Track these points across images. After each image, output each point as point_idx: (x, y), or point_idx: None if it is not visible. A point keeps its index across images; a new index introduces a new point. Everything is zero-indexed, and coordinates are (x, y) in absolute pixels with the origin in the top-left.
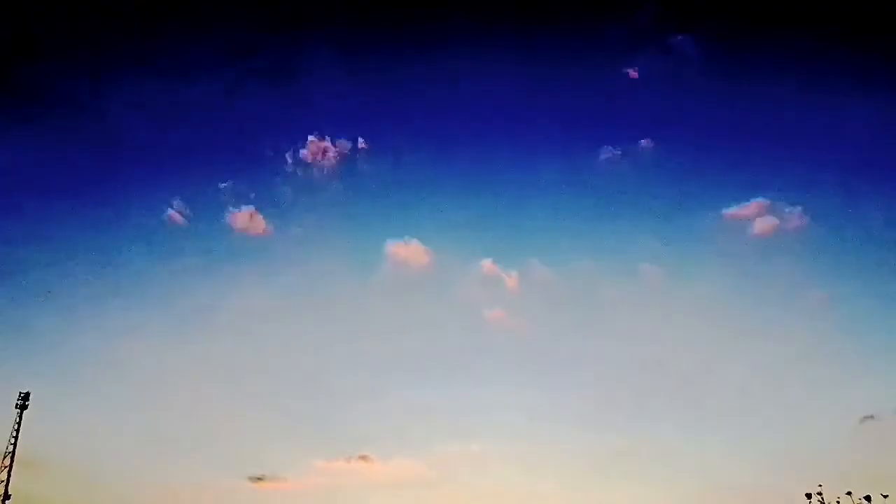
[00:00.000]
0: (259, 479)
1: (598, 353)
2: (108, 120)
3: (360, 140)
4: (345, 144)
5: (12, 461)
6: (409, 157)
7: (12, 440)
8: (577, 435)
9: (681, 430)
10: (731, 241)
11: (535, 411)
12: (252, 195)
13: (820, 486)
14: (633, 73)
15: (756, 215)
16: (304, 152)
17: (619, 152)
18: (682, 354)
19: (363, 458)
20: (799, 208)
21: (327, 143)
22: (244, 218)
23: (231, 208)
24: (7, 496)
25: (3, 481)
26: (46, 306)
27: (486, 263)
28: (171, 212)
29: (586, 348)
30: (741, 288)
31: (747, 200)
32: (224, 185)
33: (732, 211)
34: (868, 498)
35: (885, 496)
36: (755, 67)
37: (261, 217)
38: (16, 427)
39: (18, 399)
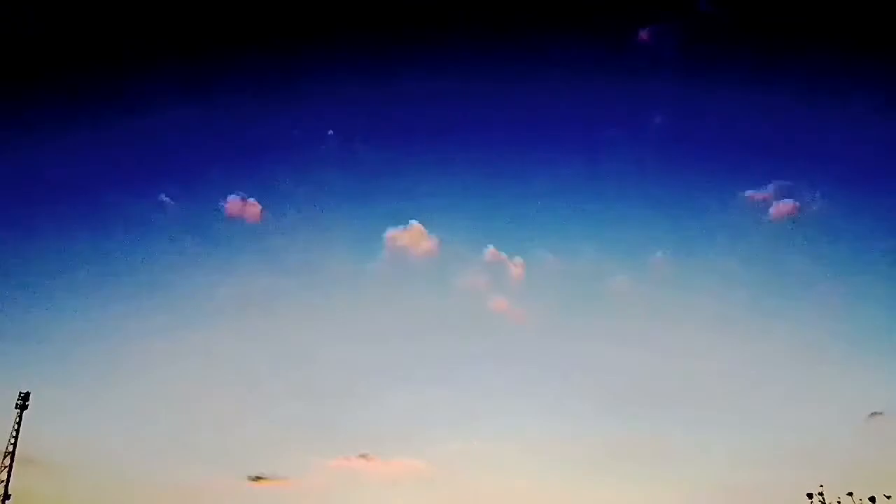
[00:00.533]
0: (258, 478)
1: (606, 346)
2: (101, 110)
3: (360, 125)
4: (344, 129)
5: (12, 461)
6: (409, 141)
7: (12, 440)
8: (583, 431)
9: (689, 427)
10: (746, 229)
11: (538, 407)
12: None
13: (821, 486)
14: (643, 36)
15: (774, 201)
16: (300, 137)
17: (629, 130)
18: (691, 348)
19: (363, 456)
20: (818, 193)
21: (325, 129)
22: (244, 209)
23: (231, 198)
24: (7, 496)
25: (2, 481)
26: (46, 304)
27: (490, 251)
28: (167, 201)
29: (593, 341)
30: (754, 278)
31: (765, 184)
32: (222, 173)
33: (749, 196)
34: (872, 499)
35: (888, 497)
36: (780, 40)
37: (259, 207)
38: (16, 427)
39: (18, 399)
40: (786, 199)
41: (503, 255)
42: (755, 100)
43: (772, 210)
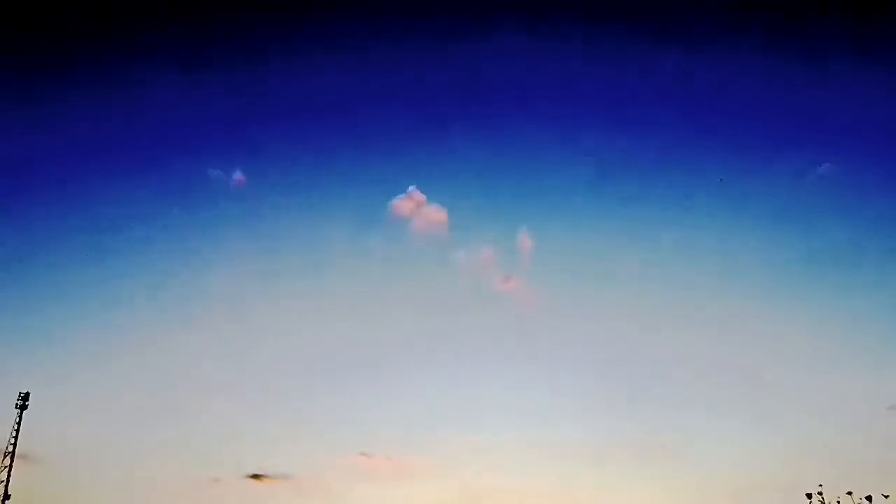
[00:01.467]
0: (257, 476)
1: (614, 335)
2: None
3: (361, 85)
4: (344, 89)
5: (12, 461)
6: (409, 102)
7: (12, 440)
8: (587, 428)
9: (699, 422)
10: (767, 204)
11: (541, 401)
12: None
13: (820, 486)
14: None
15: (804, 170)
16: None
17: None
18: (702, 339)
19: (363, 454)
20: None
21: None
22: (231, 182)
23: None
24: (7, 496)
25: (2, 481)
26: (46, 302)
27: (496, 226)
28: (158, 187)
29: (601, 331)
30: (772, 260)
31: (798, 146)
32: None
33: (778, 163)
34: (869, 498)
35: (886, 496)
36: None
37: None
38: (16, 427)
39: (18, 399)
40: (820, 167)
41: (510, 231)
42: (787, 54)
43: (801, 179)
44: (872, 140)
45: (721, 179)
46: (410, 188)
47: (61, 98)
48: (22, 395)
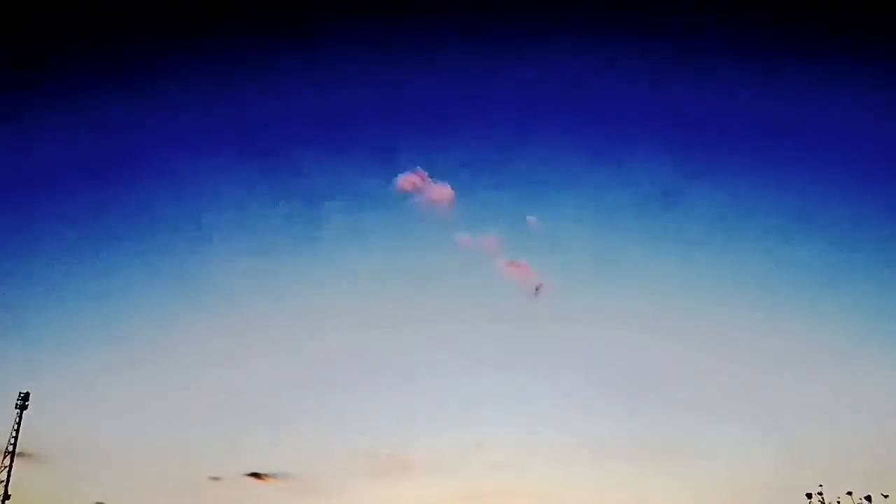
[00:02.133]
0: (257, 475)
1: (620, 333)
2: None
3: (361, 67)
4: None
5: (12, 461)
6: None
7: (12, 440)
8: (589, 429)
9: (704, 423)
10: (768, 204)
11: (546, 400)
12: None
13: (820, 486)
14: None
15: (804, 173)
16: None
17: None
18: (706, 337)
19: (364, 453)
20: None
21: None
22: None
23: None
24: (7, 496)
25: (2, 481)
26: (46, 302)
27: (502, 213)
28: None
29: (606, 327)
30: (773, 260)
31: (801, 149)
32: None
33: (779, 166)
34: (868, 498)
35: (886, 496)
36: None
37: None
38: (15, 427)
39: (18, 399)
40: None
41: (516, 213)
42: None
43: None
44: (872, 144)
45: None
46: (416, 168)
47: (61, 101)
48: (22, 395)
